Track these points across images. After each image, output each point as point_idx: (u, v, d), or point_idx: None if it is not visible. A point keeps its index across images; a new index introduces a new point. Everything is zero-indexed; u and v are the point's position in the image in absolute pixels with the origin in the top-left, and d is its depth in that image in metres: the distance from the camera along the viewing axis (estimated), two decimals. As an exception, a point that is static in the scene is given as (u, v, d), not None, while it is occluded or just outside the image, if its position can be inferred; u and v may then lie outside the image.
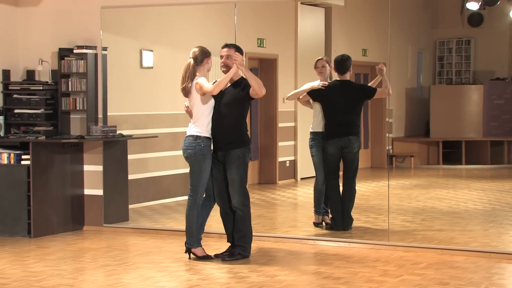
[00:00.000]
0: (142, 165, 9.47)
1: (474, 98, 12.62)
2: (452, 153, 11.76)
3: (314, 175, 8.46)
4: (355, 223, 8.34)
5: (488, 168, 11.63)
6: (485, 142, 11.75)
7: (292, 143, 10.09)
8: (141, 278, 6.37)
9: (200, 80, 6.95)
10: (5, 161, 8.38)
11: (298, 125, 10.01)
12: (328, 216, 8.47)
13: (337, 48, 10.01)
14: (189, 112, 7.15)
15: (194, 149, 6.98)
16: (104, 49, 8.84)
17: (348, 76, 8.29)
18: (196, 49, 7.11)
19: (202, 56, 7.09)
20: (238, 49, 7.15)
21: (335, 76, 8.30)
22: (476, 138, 11.92)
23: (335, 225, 8.31)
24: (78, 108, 8.80)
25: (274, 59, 9.68)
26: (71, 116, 8.91)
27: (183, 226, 8.59)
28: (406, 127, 11.46)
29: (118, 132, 8.78)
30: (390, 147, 10.62)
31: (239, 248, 7.08)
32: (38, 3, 9.09)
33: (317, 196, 8.45)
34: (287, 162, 10.10)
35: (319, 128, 8.34)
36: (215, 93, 6.93)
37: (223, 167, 7.08)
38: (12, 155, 8.36)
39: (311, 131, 8.44)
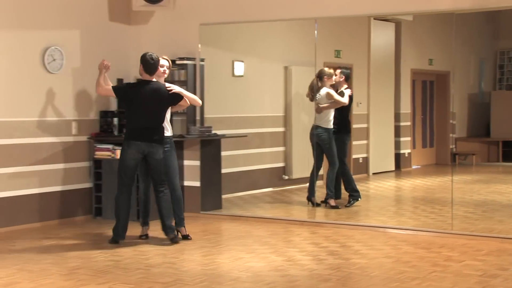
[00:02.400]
0: (234, 160, 9.56)
1: (532, 102, 12.30)
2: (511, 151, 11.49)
3: (384, 170, 8.53)
4: (422, 213, 8.28)
5: (544, 166, 11.34)
6: (542, 141, 11.46)
7: (365, 142, 10.05)
8: (233, 259, 6.45)
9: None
10: (118, 156, 8.55)
11: (370, 126, 9.96)
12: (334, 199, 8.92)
13: (406, 58, 9.93)
14: None
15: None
16: (202, 60, 8.96)
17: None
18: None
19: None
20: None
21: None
22: (534, 138, 11.62)
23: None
24: (179, 111, 8.93)
25: (350, 68, 9.66)
26: (173, 118, 8.97)
27: (269, 214, 8.72)
28: (468, 128, 11.24)
29: (213, 131, 8.89)
30: (454, 146, 10.45)
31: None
32: (147, 22, 9.26)
33: (334, 180, 8.93)
34: (360, 158, 10.07)
35: (330, 125, 8.84)
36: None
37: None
38: None
39: (325, 127, 8.83)
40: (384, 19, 9.41)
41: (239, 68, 9.58)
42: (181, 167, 8.96)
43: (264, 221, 8.46)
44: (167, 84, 7.24)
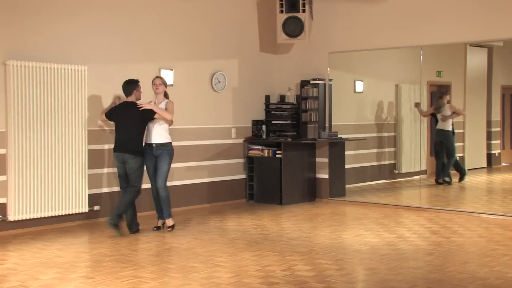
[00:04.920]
0: (355, 158, 9.44)
1: None
2: None
3: (477, 167, 8.28)
4: (511, 201, 7.79)
5: None
6: None
7: (461, 144, 9.58)
8: (354, 235, 6.39)
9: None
10: (266, 155, 8.67)
11: (466, 132, 9.51)
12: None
13: (497, 76, 9.42)
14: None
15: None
16: (330, 80, 8.93)
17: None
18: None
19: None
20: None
21: None
22: None
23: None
24: (312, 120, 8.94)
25: (449, 85, 9.30)
26: (307, 125, 9.07)
27: (383, 200, 8.54)
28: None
29: (339, 136, 8.84)
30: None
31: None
32: (288, 51, 9.34)
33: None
34: (457, 157, 9.61)
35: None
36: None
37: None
38: (270, 151, 8.63)
39: (450, 129, 8.91)
40: (478, 45, 8.96)
41: (359, 86, 9.45)
42: (313, 163, 8.99)
43: (378, 206, 8.32)
44: (138, 102, 6.48)
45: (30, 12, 6.65)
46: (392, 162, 9.58)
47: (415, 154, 8.98)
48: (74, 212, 6.97)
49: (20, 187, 6.51)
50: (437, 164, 9.03)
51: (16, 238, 6.26)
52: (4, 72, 6.42)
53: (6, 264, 5.19)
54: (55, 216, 6.84)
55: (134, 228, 6.55)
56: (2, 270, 5.01)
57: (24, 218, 6.57)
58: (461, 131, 9.52)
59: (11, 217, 6.48)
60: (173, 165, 8.02)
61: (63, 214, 6.88)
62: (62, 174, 6.83)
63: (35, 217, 6.66)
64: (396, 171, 9.57)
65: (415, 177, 9.02)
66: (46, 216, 6.74)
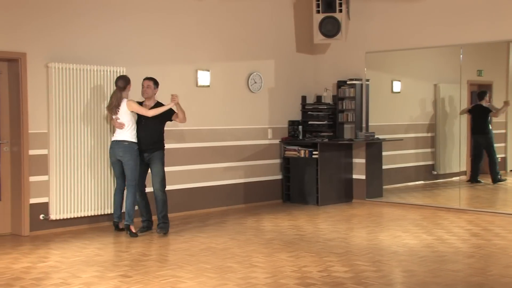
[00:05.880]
0: (392, 159, 9.35)
1: None
2: None
3: None
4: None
5: None
6: None
7: (503, 144, 9.40)
8: (391, 236, 6.32)
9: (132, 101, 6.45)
10: (303, 155, 8.65)
11: (508, 132, 9.30)
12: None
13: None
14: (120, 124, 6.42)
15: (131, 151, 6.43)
16: (367, 80, 8.87)
17: (483, 103, 8.67)
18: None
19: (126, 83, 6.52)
20: (156, 82, 6.58)
21: None
22: None
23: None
24: (349, 120, 8.90)
25: (490, 84, 9.11)
26: (344, 125, 9.03)
27: (421, 201, 8.42)
28: None
29: (376, 136, 8.77)
30: None
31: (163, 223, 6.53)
32: (325, 51, 9.31)
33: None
34: (499, 158, 9.42)
35: None
36: (150, 115, 6.42)
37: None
38: (307, 151, 8.60)
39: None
40: (521, 43, 8.78)
41: (397, 86, 9.36)
42: (350, 164, 8.93)
43: (416, 207, 8.22)
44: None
45: (71, 16, 6.80)
46: (430, 162, 9.46)
47: (454, 155, 8.84)
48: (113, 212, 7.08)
49: (61, 187, 6.65)
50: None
51: (57, 237, 6.41)
52: (46, 74, 6.58)
53: (49, 262, 5.33)
54: (95, 216, 6.97)
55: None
56: (45, 267, 5.14)
57: (65, 217, 6.72)
58: (503, 131, 9.33)
59: (53, 216, 6.64)
60: (209, 165, 8.13)
61: (103, 213, 7.01)
62: (101, 174, 6.95)
63: (76, 216, 6.80)
64: (435, 172, 9.44)
65: (454, 178, 8.88)
66: (86, 215, 6.88)
